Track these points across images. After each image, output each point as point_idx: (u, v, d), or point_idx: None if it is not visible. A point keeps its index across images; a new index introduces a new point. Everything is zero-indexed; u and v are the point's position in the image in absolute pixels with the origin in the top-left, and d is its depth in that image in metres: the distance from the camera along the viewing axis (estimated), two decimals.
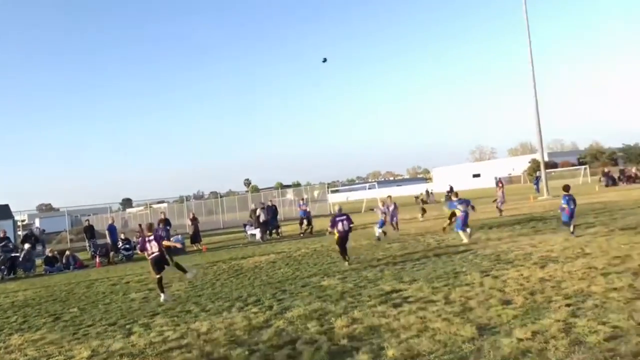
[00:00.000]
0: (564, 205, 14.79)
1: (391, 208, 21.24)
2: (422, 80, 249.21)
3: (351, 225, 14.19)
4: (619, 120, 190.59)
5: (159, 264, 11.46)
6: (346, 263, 13.63)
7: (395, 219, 21.42)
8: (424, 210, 30.00)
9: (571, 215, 14.75)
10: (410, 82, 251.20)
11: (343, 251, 13.96)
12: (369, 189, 65.76)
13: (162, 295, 11.25)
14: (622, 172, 48.75)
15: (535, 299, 7.79)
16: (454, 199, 17.33)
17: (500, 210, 24.56)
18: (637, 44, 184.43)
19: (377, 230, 19.77)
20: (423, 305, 8.20)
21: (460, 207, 16.53)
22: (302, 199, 31.65)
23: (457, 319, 7.16)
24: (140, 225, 28.79)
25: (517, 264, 10.92)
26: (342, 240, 13.98)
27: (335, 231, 14.09)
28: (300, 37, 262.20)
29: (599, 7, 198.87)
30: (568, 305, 7.25)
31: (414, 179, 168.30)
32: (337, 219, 14.18)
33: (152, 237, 11.56)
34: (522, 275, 9.73)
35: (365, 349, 6.30)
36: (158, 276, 11.41)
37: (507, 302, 7.77)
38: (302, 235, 25.70)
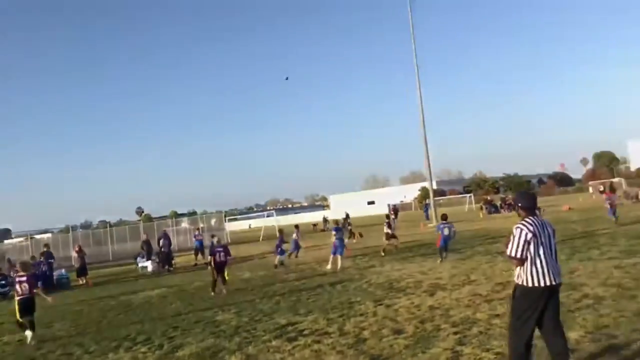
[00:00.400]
0: (438, 233, 16.56)
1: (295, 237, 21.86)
2: (318, 109, 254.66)
3: (228, 258, 15.13)
4: (501, 152, 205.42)
5: (27, 308, 10.64)
6: (212, 293, 14.39)
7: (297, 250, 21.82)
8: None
9: (445, 243, 16.18)
10: (308, 112, 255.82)
11: (214, 282, 14.65)
12: (267, 216, 65.49)
13: (28, 333, 10.44)
14: (503, 200, 52.11)
15: (425, 328, 8.01)
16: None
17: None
18: (518, 82, 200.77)
19: (278, 257, 19.89)
20: (318, 338, 8.17)
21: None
22: (198, 229, 30.91)
23: (351, 351, 7.19)
24: (9, 260, 26.63)
25: (409, 292, 11.24)
26: (218, 270, 14.66)
27: (212, 262, 14.79)
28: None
29: (483, 51, 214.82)
30: (455, 333, 7.52)
31: (311, 206, 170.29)
32: (215, 250, 14.94)
33: (24, 278, 10.71)
34: (413, 303, 10.01)
35: None
36: (21, 320, 10.63)
37: (399, 332, 7.93)
38: (196, 265, 24.99)
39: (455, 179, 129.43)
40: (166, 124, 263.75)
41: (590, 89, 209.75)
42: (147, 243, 26.32)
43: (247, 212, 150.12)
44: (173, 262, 25.82)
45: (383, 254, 19.54)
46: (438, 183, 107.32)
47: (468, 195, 73.12)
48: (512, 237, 5.30)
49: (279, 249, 20.09)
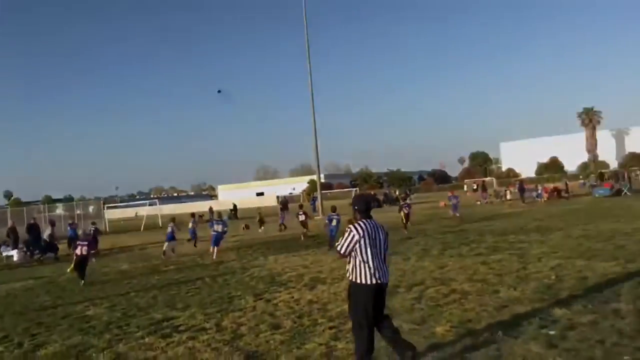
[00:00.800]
0: (326, 222, 17.96)
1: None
2: (208, 99, 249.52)
3: (91, 252, 15.47)
4: (386, 148, 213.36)
5: None
6: (82, 282, 14.04)
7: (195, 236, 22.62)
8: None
9: (332, 233, 17.36)
10: (197, 100, 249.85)
11: (80, 274, 14.31)
12: (150, 205, 63.25)
13: None
14: (386, 195, 54.27)
15: (302, 322, 8.08)
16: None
17: (284, 227, 27.54)
18: (405, 81, 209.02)
19: (167, 244, 19.73)
20: (194, 334, 7.97)
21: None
22: (74, 216, 29.13)
23: (226, 347, 7.08)
24: None
25: (290, 286, 11.31)
26: (81, 264, 14.42)
27: (74, 255, 14.71)
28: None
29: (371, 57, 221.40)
30: (331, 327, 7.66)
31: (198, 196, 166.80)
32: (78, 243, 14.83)
33: None
34: (293, 297, 10.08)
35: None
36: None
37: (276, 327, 7.93)
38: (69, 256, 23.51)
39: (342, 173, 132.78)
40: (42, 101, 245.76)
41: (471, 90, 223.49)
42: (13, 230, 24.36)
43: (129, 199, 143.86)
44: (57, 251, 23.64)
45: (303, 237, 22.04)
46: (326, 176, 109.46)
47: (354, 189, 75.23)
48: (344, 235, 5.69)
49: (170, 235, 19.89)
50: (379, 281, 5.57)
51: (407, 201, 26.30)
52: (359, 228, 5.63)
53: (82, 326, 9.14)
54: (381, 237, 5.72)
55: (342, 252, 5.69)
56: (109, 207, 60.43)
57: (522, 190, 37.87)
